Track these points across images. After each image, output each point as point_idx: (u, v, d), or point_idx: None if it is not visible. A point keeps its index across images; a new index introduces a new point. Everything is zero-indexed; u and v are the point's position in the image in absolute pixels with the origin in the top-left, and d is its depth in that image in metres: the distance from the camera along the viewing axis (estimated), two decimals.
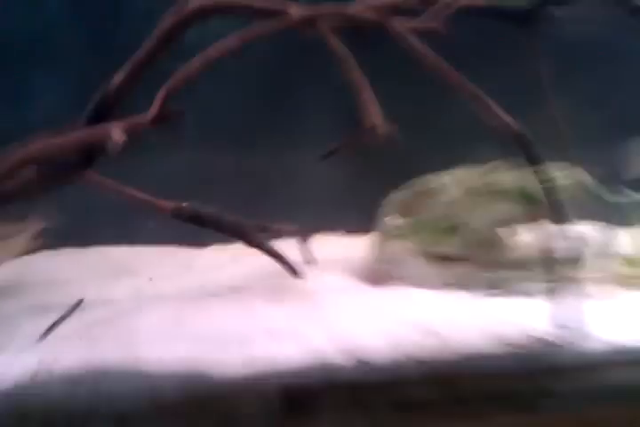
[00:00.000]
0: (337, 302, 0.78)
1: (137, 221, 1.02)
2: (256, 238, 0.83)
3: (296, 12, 0.72)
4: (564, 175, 0.81)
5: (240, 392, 0.67)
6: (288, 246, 0.86)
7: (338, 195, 1.07)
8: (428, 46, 0.68)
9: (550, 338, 0.68)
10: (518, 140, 0.66)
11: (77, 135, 0.79)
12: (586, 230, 0.85)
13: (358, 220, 0.98)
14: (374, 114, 0.62)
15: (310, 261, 0.89)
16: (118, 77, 0.80)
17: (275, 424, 0.68)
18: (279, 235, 0.89)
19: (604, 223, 0.87)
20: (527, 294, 0.77)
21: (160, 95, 0.75)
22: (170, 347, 0.68)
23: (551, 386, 0.71)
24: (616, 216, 0.90)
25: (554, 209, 0.67)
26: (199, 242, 1.07)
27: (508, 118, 0.71)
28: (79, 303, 0.80)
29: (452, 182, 0.83)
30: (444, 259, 0.83)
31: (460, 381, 0.72)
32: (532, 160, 0.66)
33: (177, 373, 0.66)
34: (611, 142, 0.97)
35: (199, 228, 0.87)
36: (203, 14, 0.77)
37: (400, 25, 0.64)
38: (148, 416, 0.67)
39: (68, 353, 0.68)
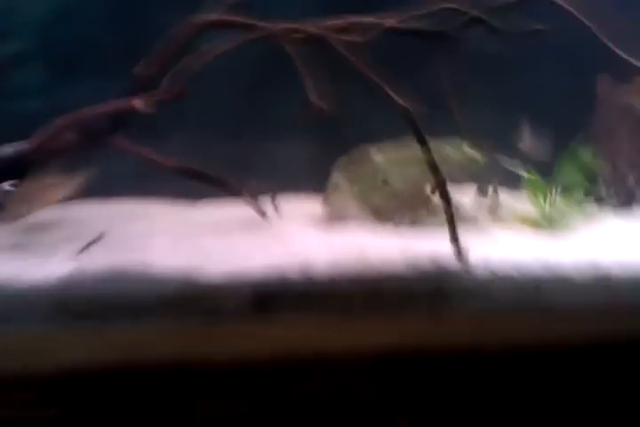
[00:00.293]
0: (294, 234, 1.09)
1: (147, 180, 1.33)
2: (236, 189, 1.13)
3: (271, 27, 1.02)
4: (452, 148, 1.12)
5: (219, 292, 0.94)
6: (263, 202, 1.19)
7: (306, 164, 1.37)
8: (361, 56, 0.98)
9: (444, 260, 0.96)
10: (405, 116, 0.93)
11: (108, 105, 1.07)
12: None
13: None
14: (314, 96, 0.91)
15: (277, 210, 1.18)
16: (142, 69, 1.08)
17: (242, 316, 0.96)
18: (255, 191, 1.19)
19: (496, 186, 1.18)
20: (435, 230, 1.07)
21: (169, 76, 1.04)
22: (170, 258, 0.97)
23: (445, 294, 0.99)
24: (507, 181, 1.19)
25: (434, 174, 0.96)
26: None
27: (399, 100, 0.97)
28: (102, 235, 1.07)
29: (378, 151, 1.14)
30: (375, 206, 1.14)
31: (379, 289, 0.99)
32: (417, 134, 0.93)
33: (175, 277, 0.94)
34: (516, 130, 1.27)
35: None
36: (209, 27, 1.06)
37: (337, 40, 0.93)
38: (153, 307, 0.94)
39: (96, 261, 0.95)
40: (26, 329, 0.95)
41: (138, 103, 1.01)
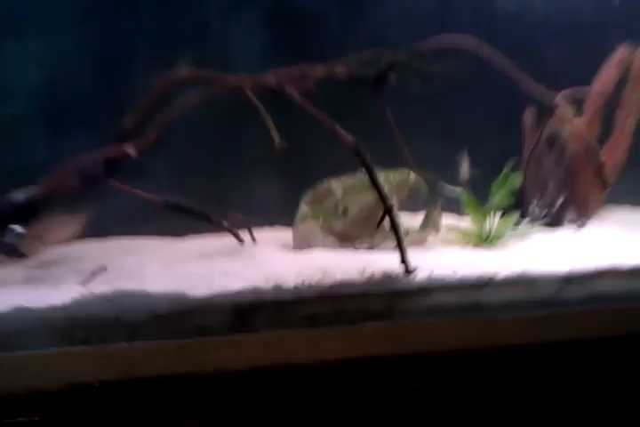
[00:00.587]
0: (267, 258, 1.26)
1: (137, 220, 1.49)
2: (216, 220, 1.32)
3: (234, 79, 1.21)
4: (397, 176, 1.31)
5: (204, 307, 1.11)
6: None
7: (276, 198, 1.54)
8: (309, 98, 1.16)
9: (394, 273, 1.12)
10: (355, 152, 1.11)
11: (103, 152, 1.25)
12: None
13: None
14: (275, 135, 1.10)
15: (253, 239, 1.39)
16: (128, 120, 1.27)
17: (225, 326, 1.12)
18: (234, 221, 1.40)
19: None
20: (387, 250, 1.24)
21: (156, 125, 1.22)
22: (161, 282, 1.13)
23: (396, 304, 1.15)
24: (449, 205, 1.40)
25: (383, 202, 1.12)
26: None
27: (348, 137, 1.14)
28: (104, 267, 1.23)
29: (338, 183, 1.34)
30: (337, 233, 1.32)
31: (338, 299, 1.15)
32: (365, 166, 1.11)
33: (167, 295, 1.10)
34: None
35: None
36: (184, 82, 1.25)
37: (289, 88, 1.13)
38: (150, 321, 1.10)
39: (101, 286, 1.11)
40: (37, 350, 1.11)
41: (129, 149, 1.18)
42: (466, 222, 1.38)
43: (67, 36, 1.55)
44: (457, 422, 1.17)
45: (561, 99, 1.25)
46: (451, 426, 1.17)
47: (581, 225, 1.45)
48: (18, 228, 1.32)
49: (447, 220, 1.40)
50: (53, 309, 1.08)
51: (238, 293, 1.11)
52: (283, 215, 1.47)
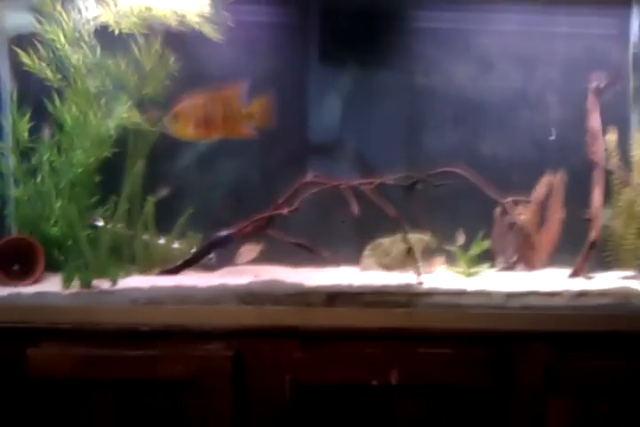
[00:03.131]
0: (344, 271, 2.13)
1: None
2: (322, 255, 2.12)
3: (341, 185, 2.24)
4: (417, 236, 2.06)
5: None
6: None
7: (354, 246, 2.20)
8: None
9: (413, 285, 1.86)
10: (396, 222, 1.90)
11: (266, 214, 2.19)
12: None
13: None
14: (354, 209, 2.17)
15: (339, 265, 2.12)
16: (280, 202, 2.11)
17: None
18: (330, 257, 2.07)
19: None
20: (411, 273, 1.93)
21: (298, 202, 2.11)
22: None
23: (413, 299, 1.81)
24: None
25: (408, 248, 1.96)
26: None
27: (395, 213, 1.91)
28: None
29: (386, 239, 2.12)
30: (385, 264, 2.13)
31: (383, 293, 1.84)
32: (402, 229, 1.93)
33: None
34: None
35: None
36: (311, 185, 1.95)
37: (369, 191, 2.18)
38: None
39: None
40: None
41: (284, 211, 2.02)
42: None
43: None
44: None
45: (510, 202, 2.09)
46: None
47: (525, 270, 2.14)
48: (212, 254, 2.02)
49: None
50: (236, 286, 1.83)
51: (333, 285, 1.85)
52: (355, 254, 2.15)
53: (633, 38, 2.11)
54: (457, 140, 2.23)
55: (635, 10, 2.04)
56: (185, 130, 1.80)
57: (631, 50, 2.10)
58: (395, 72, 2.15)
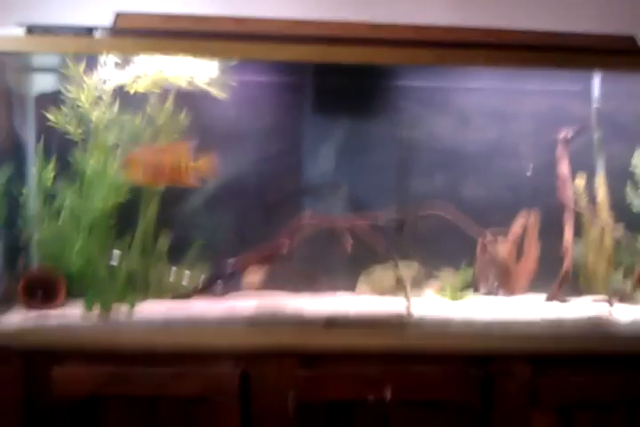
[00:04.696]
0: (342, 296, 2.27)
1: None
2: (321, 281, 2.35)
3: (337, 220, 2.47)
4: (406, 266, 2.24)
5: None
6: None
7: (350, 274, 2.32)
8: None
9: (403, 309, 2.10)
10: (389, 255, 2.08)
11: (267, 247, 2.34)
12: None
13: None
14: (348, 246, 2.39)
15: (334, 291, 2.28)
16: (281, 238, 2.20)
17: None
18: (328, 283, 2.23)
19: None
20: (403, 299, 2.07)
21: (292, 241, 2.32)
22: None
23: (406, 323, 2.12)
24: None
25: (398, 275, 2.13)
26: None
27: (384, 249, 2.08)
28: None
29: (379, 267, 2.28)
30: (377, 290, 2.31)
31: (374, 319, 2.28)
32: (392, 259, 2.11)
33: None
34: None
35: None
36: (306, 227, 2.07)
37: (363, 229, 2.39)
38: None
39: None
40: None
41: (282, 249, 2.15)
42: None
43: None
44: None
45: (490, 236, 2.36)
46: None
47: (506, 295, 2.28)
48: (220, 283, 2.17)
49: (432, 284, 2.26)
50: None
51: (332, 309, 2.18)
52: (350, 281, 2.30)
53: (595, 94, 2.30)
54: (444, 184, 2.42)
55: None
56: (134, 175, 1.98)
57: (593, 104, 2.28)
58: (382, 125, 2.35)
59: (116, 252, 2.09)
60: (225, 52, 1.89)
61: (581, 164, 2.23)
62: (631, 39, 2.00)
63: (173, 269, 2.17)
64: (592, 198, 2.25)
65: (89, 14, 2.15)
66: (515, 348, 1.91)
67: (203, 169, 1.99)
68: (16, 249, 2.08)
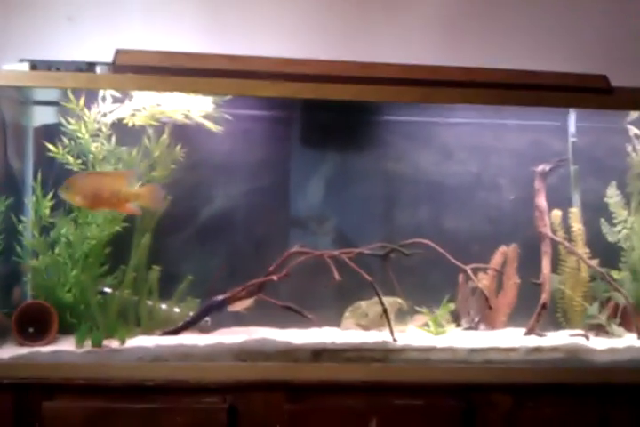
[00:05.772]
0: (327, 330, 2.36)
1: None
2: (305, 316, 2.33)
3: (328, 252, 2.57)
4: (391, 300, 2.26)
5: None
6: None
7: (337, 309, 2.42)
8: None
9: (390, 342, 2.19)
10: (373, 287, 2.15)
11: (258, 281, 2.46)
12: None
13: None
14: (336, 276, 2.43)
15: (320, 326, 2.34)
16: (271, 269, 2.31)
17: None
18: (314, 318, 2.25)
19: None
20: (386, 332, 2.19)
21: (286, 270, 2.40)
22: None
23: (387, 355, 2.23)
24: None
25: (383, 310, 2.12)
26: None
27: (370, 280, 2.15)
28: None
29: (364, 302, 2.34)
30: (362, 325, 2.36)
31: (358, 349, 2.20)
32: (377, 294, 2.12)
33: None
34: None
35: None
36: (296, 254, 2.19)
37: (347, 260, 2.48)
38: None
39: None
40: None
41: (276, 277, 2.23)
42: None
43: None
44: None
45: (471, 270, 2.47)
46: None
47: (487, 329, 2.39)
48: (207, 318, 2.23)
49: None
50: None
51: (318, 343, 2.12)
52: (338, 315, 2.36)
53: (571, 129, 2.41)
54: (424, 218, 2.49)
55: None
56: (74, 199, 2.03)
57: (570, 139, 2.38)
58: (368, 158, 2.45)
59: (108, 284, 2.12)
60: (219, 88, 2.01)
61: (558, 197, 2.34)
62: (604, 78, 2.09)
63: (163, 306, 2.24)
64: (568, 230, 2.35)
65: (91, 49, 2.34)
66: (495, 380, 2.00)
67: (143, 197, 2.03)
68: (11, 281, 2.15)
